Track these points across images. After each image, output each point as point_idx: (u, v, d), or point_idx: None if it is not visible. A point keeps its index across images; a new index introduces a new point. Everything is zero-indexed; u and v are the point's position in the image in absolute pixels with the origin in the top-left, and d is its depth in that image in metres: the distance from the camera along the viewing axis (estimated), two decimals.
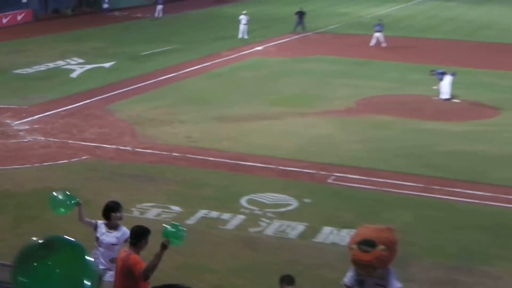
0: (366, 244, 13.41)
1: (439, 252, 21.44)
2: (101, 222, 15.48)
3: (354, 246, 13.62)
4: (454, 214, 24.65)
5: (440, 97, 38.78)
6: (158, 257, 12.69)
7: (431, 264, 20.69)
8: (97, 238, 15.32)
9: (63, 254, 4.25)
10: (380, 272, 13.45)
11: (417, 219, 23.92)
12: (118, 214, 15.43)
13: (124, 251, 13.85)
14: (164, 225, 12.71)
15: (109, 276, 15.02)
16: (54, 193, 15.16)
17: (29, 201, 24.12)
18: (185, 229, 12.92)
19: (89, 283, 4.37)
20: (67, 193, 15.24)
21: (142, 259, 13.45)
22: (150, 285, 14.17)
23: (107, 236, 15.29)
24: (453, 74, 39.00)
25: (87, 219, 15.69)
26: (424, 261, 20.65)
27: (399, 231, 21.57)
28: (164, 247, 12.56)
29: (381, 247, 13.27)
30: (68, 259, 4.25)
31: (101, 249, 15.29)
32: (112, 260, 15.03)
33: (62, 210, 14.84)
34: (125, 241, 15.21)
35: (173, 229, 12.90)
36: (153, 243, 13.72)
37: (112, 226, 15.38)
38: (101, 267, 14.82)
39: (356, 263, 13.26)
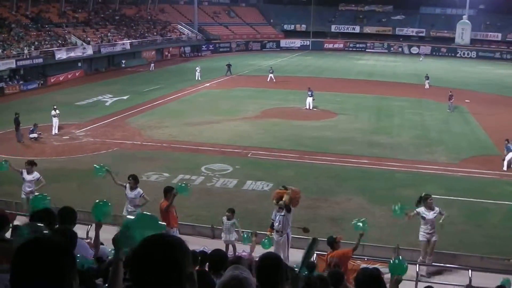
0: (283, 186, 13.57)
1: (307, 191, 21.37)
2: (126, 184, 15.46)
3: (278, 190, 13.85)
4: (314, 170, 24.84)
5: (306, 108, 38.78)
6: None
7: (304, 197, 20.63)
8: (126, 195, 15.42)
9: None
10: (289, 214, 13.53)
11: (296, 174, 24.04)
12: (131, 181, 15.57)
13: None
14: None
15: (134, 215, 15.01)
16: (95, 165, 15.54)
17: (85, 174, 23.67)
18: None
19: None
20: (101, 165, 15.57)
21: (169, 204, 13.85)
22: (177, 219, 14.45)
23: (129, 194, 15.26)
24: (311, 95, 39.12)
25: (119, 182, 15.66)
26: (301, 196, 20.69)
27: (286, 181, 21.66)
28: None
29: (289, 191, 13.30)
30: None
31: (128, 200, 15.42)
32: (135, 207, 15.24)
33: (100, 174, 15.07)
34: (140, 196, 15.38)
35: (182, 185, 13.98)
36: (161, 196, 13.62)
37: (132, 188, 15.32)
38: (130, 210, 15.09)
39: (277, 197, 13.32)
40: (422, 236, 14.62)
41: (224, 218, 14.71)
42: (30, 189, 16.89)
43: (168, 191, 13.96)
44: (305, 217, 18.76)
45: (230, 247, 14.69)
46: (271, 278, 3.94)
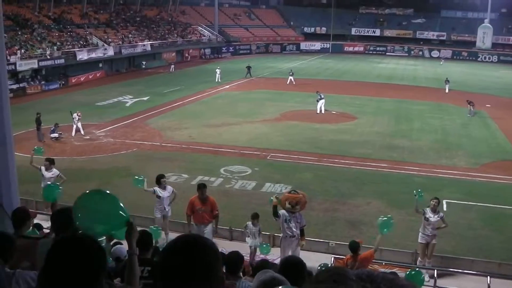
0: (294, 191, 13.48)
1: (325, 194, 21.51)
2: (156, 188, 15.90)
3: (287, 193, 13.69)
4: (333, 173, 24.77)
5: (317, 112, 38.43)
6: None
7: (322, 200, 20.70)
8: (158, 196, 15.79)
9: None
10: (298, 213, 13.41)
11: (314, 177, 23.97)
12: (164, 179, 16.07)
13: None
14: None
15: (168, 211, 16.06)
16: (136, 176, 16.24)
17: (105, 174, 23.90)
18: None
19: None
20: (141, 176, 16.14)
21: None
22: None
23: (163, 193, 15.82)
24: (323, 97, 38.86)
25: (148, 189, 15.89)
26: (319, 198, 20.66)
27: (305, 184, 21.60)
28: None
29: (300, 195, 13.26)
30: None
31: (161, 201, 15.81)
32: (169, 204, 16.00)
33: (140, 185, 15.57)
34: (172, 192, 16.15)
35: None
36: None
37: (162, 187, 15.60)
38: (166, 209, 15.85)
39: (288, 200, 13.21)
40: (421, 238, 14.77)
41: (249, 223, 14.58)
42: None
43: (199, 187, 14.54)
44: (323, 219, 18.78)
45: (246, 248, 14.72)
46: (298, 280, 4.02)
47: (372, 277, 1.51)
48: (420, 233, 14.78)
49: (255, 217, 14.55)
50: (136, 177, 15.94)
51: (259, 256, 14.30)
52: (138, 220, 14.56)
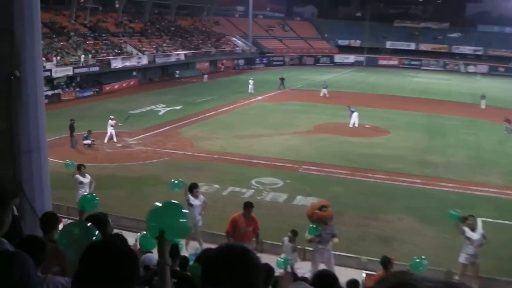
0: (324, 207, 13.32)
1: (357, 208, 21.28)
2: (189, 195, 15.79)
3: (317, 211, 13.49)
4: (364, 187, 24.55)
5: (350, 126, 38.21)
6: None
7: (354, 214, 20.50)
8: (190, 204, 15.61)
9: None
10: (329, 225, 13.28)
11: (346, 190, 23.74)
12: (196, 189, 16.07)
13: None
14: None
15: (199, 221, 16.03)
16: (172, 180, 15.75)
17: (136, 182, 24.05)
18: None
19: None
20: (180, 180, 15.75)
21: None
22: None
23: (195, 202, 15.82)
24: (355, 111, 38.64)
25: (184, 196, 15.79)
26: (350, 213, 20.46)
27: (336, 197, 21.43)
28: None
29: (329, 209, 13.15)
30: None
31: (193, 209, 15.56)
32: (200, 214, 16.05)
33: (177, 189, 15.25)
34: (204, 202, 16.28)
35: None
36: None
37: (195, 196, 15.68)
38: (197, 218, 15.77)
39: (321, 219, 13.09)
40: (464, 259, 14.17)
41: (286, 239, 14.29)
42: (86, 192, 17.40)
43: (246, 206, 14.03)
44: (354, 235, 18.55)
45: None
46: None
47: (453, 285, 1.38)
48: (462, 254, 14.17)
49: (294, 234, 14.20)
50: (175, 181, 15.54)
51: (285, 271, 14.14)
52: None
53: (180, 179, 15.79)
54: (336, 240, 13.53)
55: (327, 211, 13.38)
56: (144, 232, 10.21)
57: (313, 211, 13.72)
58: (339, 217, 14.32)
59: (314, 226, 13.43)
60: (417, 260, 11.60)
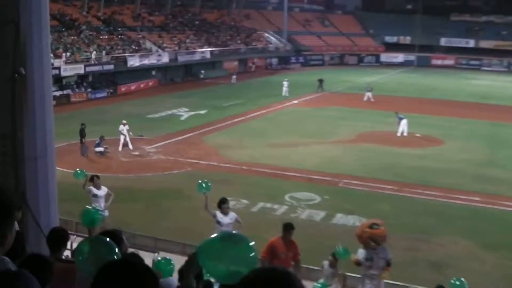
0: (375, 224, 13.25)
1: (405, 229, 21.11)
2: (216, 211, 15.33)
3: (367, 229, 13.35)
4: (414, 205, 24.36)
5: (398, 134, 37.98)
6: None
7: (402, 236, 20.32)
8: (218, 221, 15.15)
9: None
10: (380, 247, 13.16)
11: (393, 209, 23.57)
12: (226, 205, 15.40)
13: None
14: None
15: None
16: (199, 181, 15.39)
17: (154, 195, 24.21)
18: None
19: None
20: (206, 181, 15.35)
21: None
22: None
23: (223, 219, 15.15)
24: (404, 118, 38.39)
25: (210, 209, 15.44)
26: (397, 234, 20.27)
27: (381, 216, 21.26)
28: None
29: (382, 227, 13.10)
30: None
31: (221, 227, 14.84)
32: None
33: (204, 191, 15.00)
34: (235, 220, 15.42)
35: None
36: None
37: (224, 212, 15.24)
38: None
39: (373, 238, 12.95)
40: None
41: (326, 263, 14.06)
42: (101, 206, 17.46)
43: (287, 229, 13.53)
44: (402, 259, 18.32)
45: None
46: None
47: None
48: None
49: (335, 258, 13.74)
50: (202, 183, 15.27)
51: None
52: (189, 249, 14.55)
53: (208, 183, 15.36)
54: (386, 274, 13.27)
55: (379, 229, 13.25)
56: (160, 258, 10.29)
57: (363, 230, 13.57)
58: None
59: (345, 248, 13.28)
60: (457, 283, 11.34)
